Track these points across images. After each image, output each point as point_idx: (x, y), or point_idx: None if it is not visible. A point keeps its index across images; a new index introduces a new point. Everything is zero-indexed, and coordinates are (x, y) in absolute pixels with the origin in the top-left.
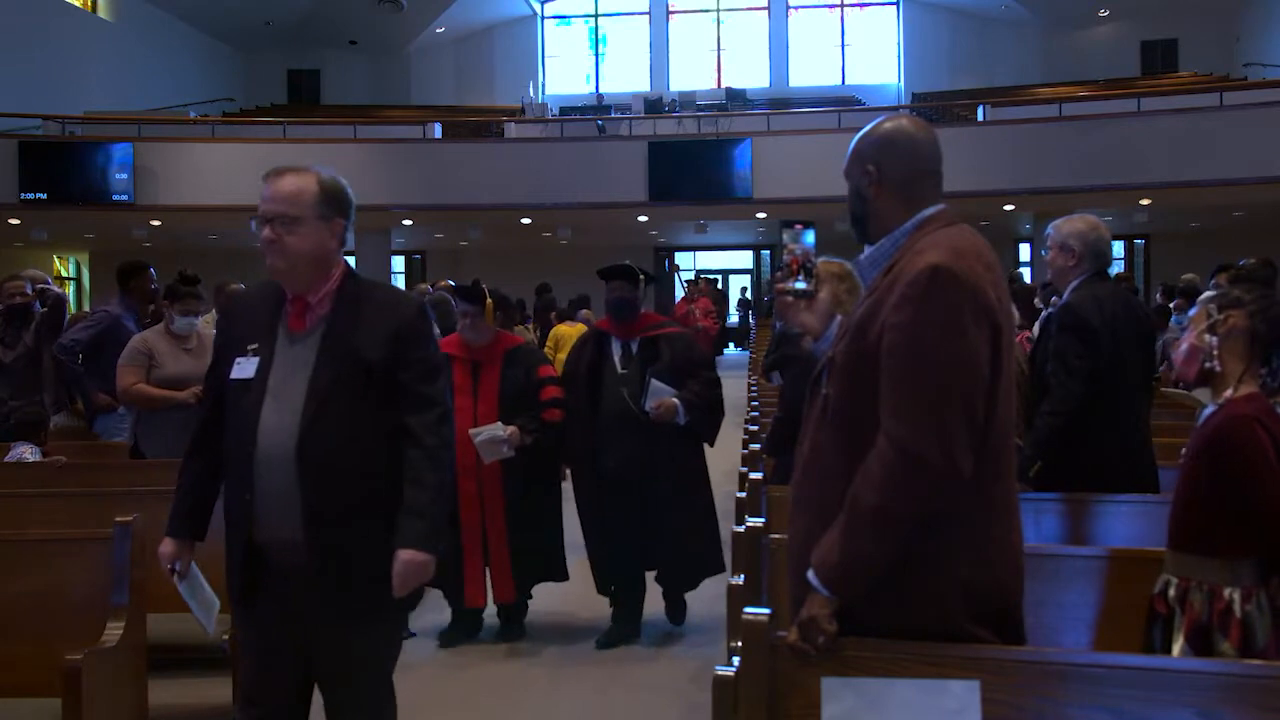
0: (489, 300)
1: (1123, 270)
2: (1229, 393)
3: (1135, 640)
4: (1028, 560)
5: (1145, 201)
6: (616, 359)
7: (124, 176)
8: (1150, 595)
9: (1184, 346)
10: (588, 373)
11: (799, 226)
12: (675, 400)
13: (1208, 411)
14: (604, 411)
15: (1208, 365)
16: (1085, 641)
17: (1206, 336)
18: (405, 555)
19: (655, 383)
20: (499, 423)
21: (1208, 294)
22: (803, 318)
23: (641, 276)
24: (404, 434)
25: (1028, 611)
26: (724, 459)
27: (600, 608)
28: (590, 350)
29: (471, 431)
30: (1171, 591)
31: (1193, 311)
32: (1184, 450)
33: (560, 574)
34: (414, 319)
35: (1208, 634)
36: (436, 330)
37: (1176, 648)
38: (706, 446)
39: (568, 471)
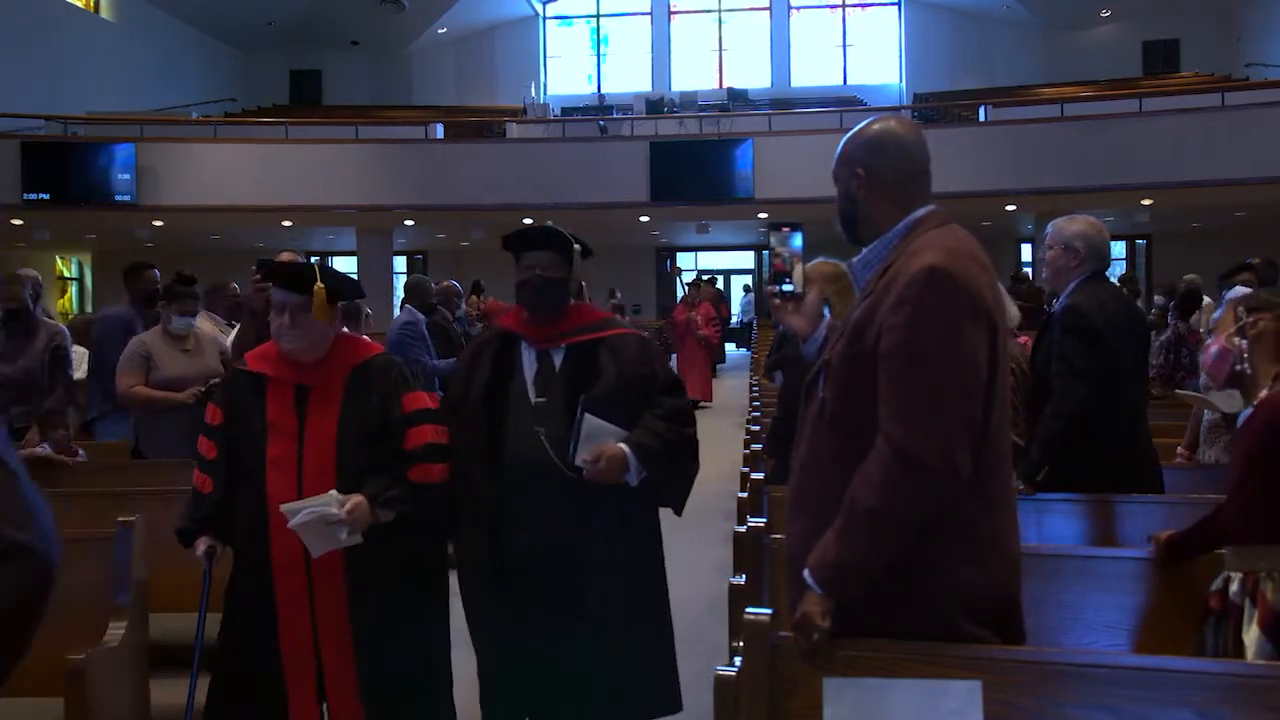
0: (320, 285)
1: (1126, 271)
2: (1264, 394)
3: (1140, 640)
4: (1030, 560)
5: (1147, 202)
6: (529, 377)
7: (126, 177)
8: (1205, 594)
9: (1214, 349)
10: (483, 399)
11: (786, 229)
12: (622, 448)
13: (1247, 413)
14: (508, 464)
15: (1238, 368)
16: (1087, 642)
17: (1236, 339)
18: None
19: (591, 420)
20: (332, 491)
21: (1236, 295)
22: (791, 319)
23: (576, 247)
24: None
25: (1028, 611)
26: (724, 459)
27: None
28: (489, 363)
29: (285, 508)
30: (1234, 586)
31: (1218, 314)
32: (1230, 451)
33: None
34: None
35: None
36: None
37: (1250, 640)
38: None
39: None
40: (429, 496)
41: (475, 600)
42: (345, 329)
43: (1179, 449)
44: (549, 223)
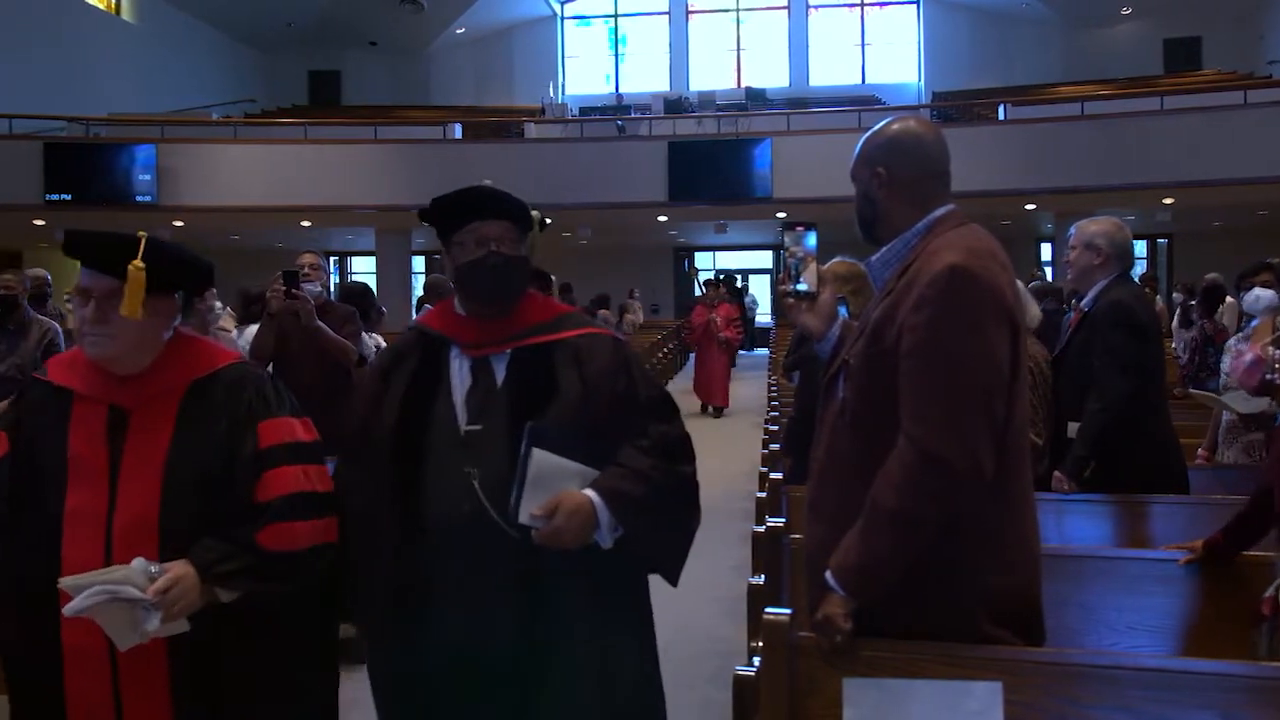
0: (136, 265)
1: (1147, 270)
2: None
3: (1160, 642)
4: (1052, 561)
5: (1168, 200)
6: (459, 397)
7: (147, 177)
8: (1261, 598)
9: (1248, 358)
10: (396, 427)
11: (800, 229)
12: (588, 495)
13: None
14: (427, 521)
15: (1269, 377)
16: (1108, 643)
17: (1272, 350)
18: None
19: (541, 456)
20: (138, 560)
21: (1252, 295)
22: (804, 319)
23: (535, 214)
24: None
25: (1049, 612)
26: (743, 458)
27: None
28: (406, 377)
29: (65, 584)
30: None
31: (1255, 323)
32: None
33: None
34: None
35: None
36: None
37: None
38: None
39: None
40: (290, 568)
41: (385, 703)
42: (254, 326)
43: (1200, 450)
44: (487, 182)
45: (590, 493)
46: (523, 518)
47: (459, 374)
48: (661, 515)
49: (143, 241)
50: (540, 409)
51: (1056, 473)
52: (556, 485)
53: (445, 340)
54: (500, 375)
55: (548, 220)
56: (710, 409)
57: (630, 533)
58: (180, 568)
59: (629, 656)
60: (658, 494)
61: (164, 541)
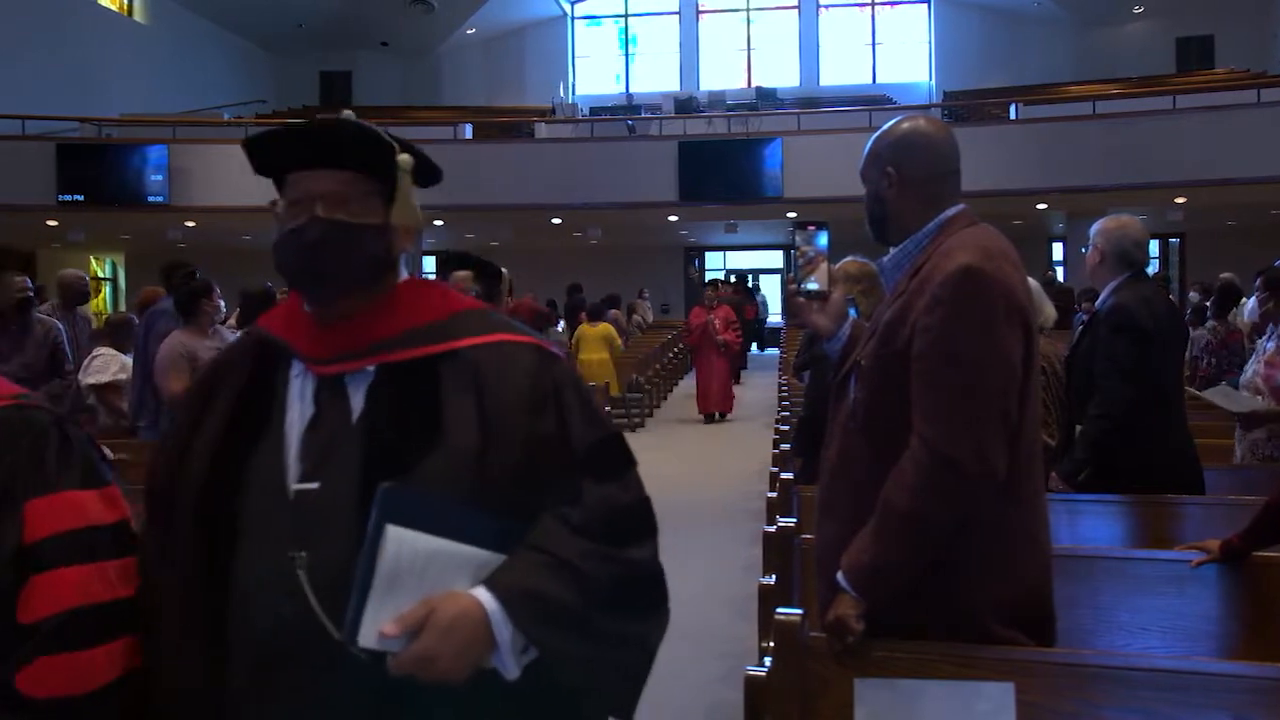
0: None
1: (1159, 270)
2: None
3: (1176, 643)
4: (1065, 561)
5: (1180, 200)
6: (293, 435)
7: (159, 178)
8: None
9: None
10: (204, 485)
11: (811, 228)
12: (481, 600)
13: None
14: (235, 635)
15: None
16: (1121, 644)
17: None
18: None
19: (399, 536)
20: None
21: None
22: (814, 318)
23: (402, 158)
24: None
25: (1062, 613)
26: (753, 458)
27: None
28: (227, 404)
29: None
30: None
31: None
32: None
33: None
34: None
35: None
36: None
37: None
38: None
39: None
40: None
41: None
42: None
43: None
44: (347, 112)
45: (483, 594)
46: (366, 639)
47: (299, 401)
48: (599, 627)
49: None
50: (411, 459)
51: (1052, 473)
52: (429, 582)
53: (289, 349)
54: (357, 404)
55: (436, 171)
56: (715, 415)
57: (550, 655)
58: None
59: None
60: (592, 594)
61: None
